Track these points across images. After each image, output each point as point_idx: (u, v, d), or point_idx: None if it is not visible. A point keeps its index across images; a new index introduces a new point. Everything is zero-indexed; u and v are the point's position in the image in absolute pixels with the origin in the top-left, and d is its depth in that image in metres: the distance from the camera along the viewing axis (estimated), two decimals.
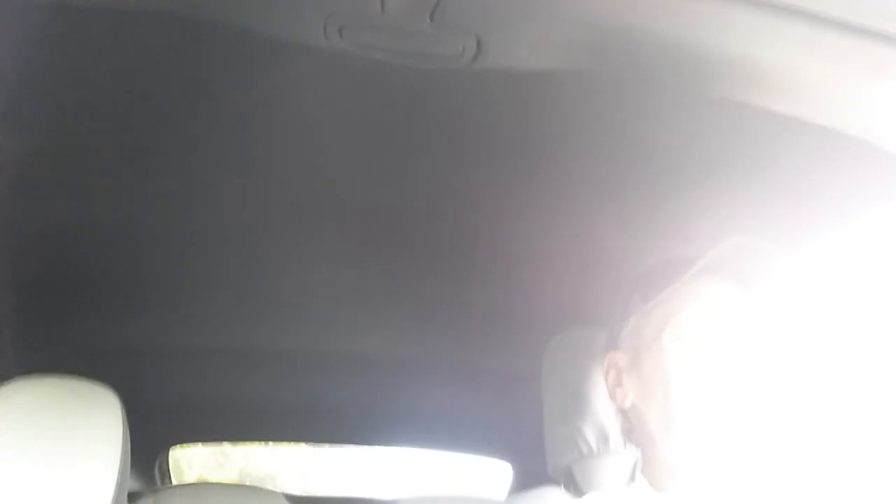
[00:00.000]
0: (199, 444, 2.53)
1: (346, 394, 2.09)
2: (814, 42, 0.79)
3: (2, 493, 1.04)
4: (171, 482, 2.28)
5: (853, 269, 1.34)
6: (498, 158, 1.27)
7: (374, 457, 3.25)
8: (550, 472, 1.37)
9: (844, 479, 1.29)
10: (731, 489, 0.97)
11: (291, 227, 1.50)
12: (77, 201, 1.42)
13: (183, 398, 2.08)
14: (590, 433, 1.31)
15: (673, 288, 0.98)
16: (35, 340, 1.68)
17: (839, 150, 1.05)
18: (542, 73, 0.93)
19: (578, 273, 1.44)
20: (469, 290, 1.66)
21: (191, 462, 2.76)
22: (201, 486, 1.88)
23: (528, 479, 2.04)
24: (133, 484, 1.86)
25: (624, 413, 1.06)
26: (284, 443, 2.62)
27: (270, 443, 2.66)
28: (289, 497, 1.67)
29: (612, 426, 1.28)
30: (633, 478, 1.09)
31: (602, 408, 1.29)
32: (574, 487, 1.32)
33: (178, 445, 2.33)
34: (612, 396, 1.06)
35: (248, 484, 2.10)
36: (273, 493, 1.67)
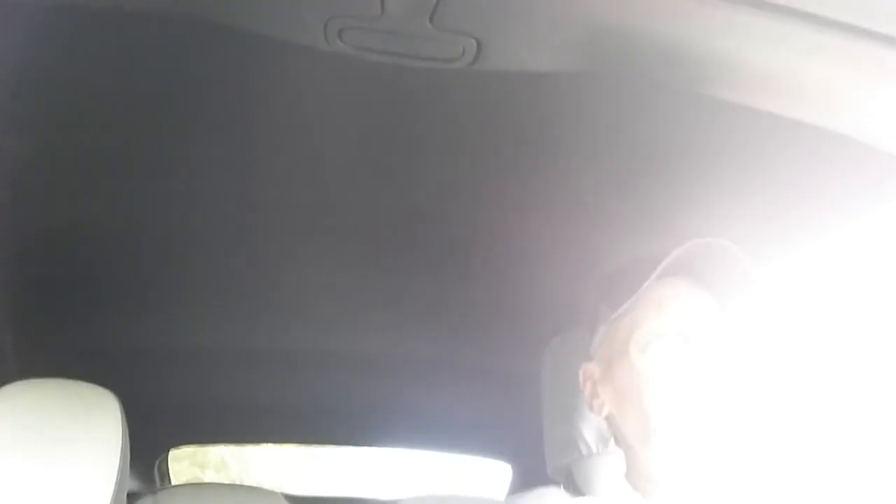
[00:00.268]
0: (199, 445, 2.53)
1: (346, 395, 2.09)
2: (813, 43, 0.79)
3: (2, 494, 1.04)
4: (170, 483, 2.29)
5: (853, 269, 1.35)
6: (498, 159, 1.27)
7: (373, 457, 3.26)
8: (550, 472, 1.37)
9: (825, 480, 1.29)
10: (711, 495, 0.96)
11: (291, 228, 1.50)
12: (76, 202, 1.42)
13: (182, 399, 2.08)
14: (589, 434, 1.31)
15: (637, 295, 0.96)
16: (35, 341, 1.68)
17: (838, 152, 1.05)
18: (542, 75, 0.93)
19: (578, 274, 1.44)
20: (469, 290, 1.66)
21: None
22: (200, 487, 1.88)
23: (527, 479, 2.04)
24: (132, 485, 1.86)
25: (606, 421, 1.06)
26: (284, 444, 2.62)
27: (270, 444, 2.66)
28: (288, 497, 1.67)
29: None
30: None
31: None
32: (573, 487, 1.32)
33: (178, 447, 2.33)
34: (590, 407, 1.05)
35: (247, 484, 2.10)
36: (272, 493, 1.67)
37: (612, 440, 1.22)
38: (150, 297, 1.72)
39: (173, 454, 2.31)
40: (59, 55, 1.03)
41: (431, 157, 1.28)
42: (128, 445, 1.13)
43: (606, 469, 1.29)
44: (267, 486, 1.73)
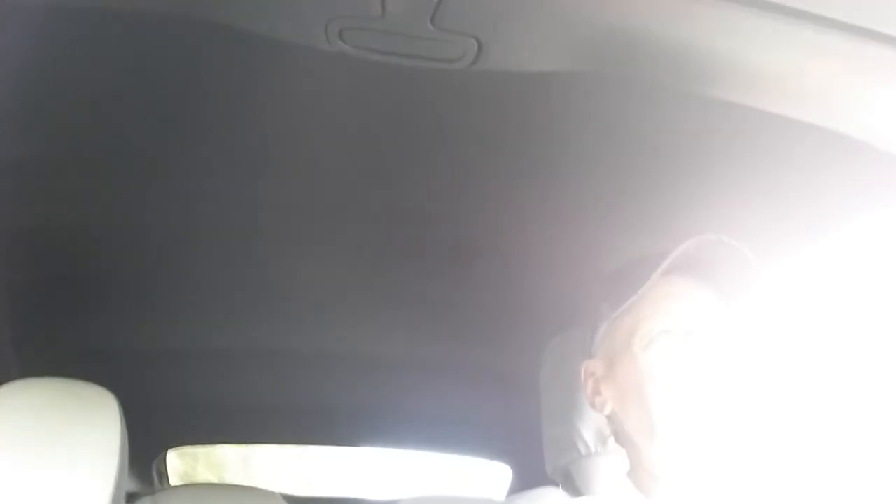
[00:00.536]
0: (198, 445, 2.53)
1: (346, 395, 2.09)
2: (815, 44, 0.79)
3: (1, 494, 1.04)
4: (168, 483, 2.28)
5: (853, 270, 1.35)
6: (498, 160, 1.27)
7: (373, 458, 3.25)
8: (549, 472, 1.37)
9: (828, 479, 1.29)
10: (714, 494, 0.97)
11: (291, 228, 1.50)
12: (76, 202, 1.42)
13: (181, 400, 2.08)
14: (588, 433, 1.31)
15: (640, 293, 0.97)
16: (34, 341, 1.68)
17: (840, 153, 1.05)
18: (543, 75, 0.93)
19: (578, 274, 1.44)
20: (469, 290, 1.66)
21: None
22: (199, 487, 1.88)
23: (527, 481, 2.04)
24: (131, 485, 1.86)
25: (608, 419, 1.06)
26: (284, 444, 2.62)
27: (270, 444, 2.66)
28: (287, 497, 1.67)
29: None
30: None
31: None
32: (572, 488, 1.32)
33: (176, 447, 2.33)
34: (592, 405, 1.05)
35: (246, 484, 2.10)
36: (271, 493, 1.67)
37: (611, 440, 1.22)
38: (148, 298, 1.72)
39: (187, 455, 2.30)
40: (59, 55, 1.03)
41: (432, 158, 1.27)
42: (126, 445, 1.13)
43: (605, 469, 1.29)
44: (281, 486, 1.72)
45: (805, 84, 0.85)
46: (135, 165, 1.31)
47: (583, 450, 1.31)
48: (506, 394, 1.93)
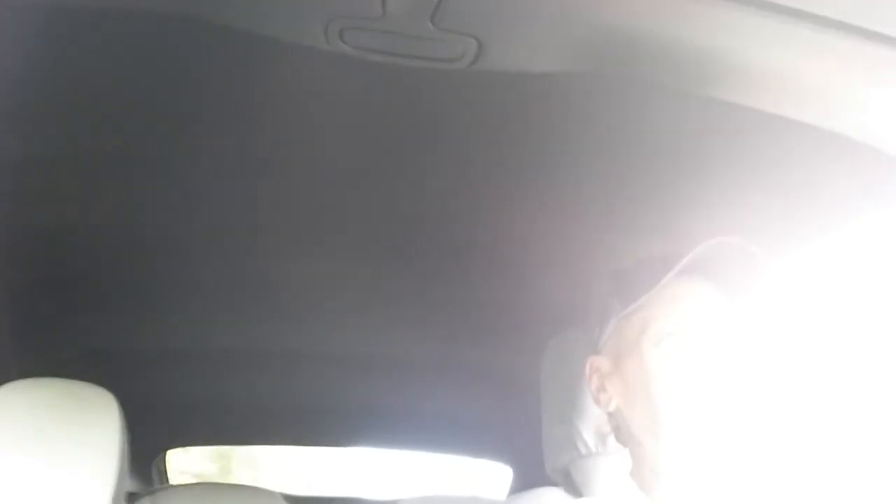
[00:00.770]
0: (198, 445, 2.53)
1: (346, 396, 2.09)
2: (814, 44, 0.79)
3: (1, 493, 1.04)
4: (168, 483, 2.28)
5: (852, 270, 1.35)
6: (498, 160, 1.27)
7: (374, 458, 3.25)
8: (549, 472, 1.37)
9: (835, 480, 1.29)
10: (717, 491, 0.97)
11: (291, 229, 1.50)
12: (77, 202, 1.42)
13: (180, 400, 2.08)
14: (588, 434, 1.31)
15: (652, 291, 0.97)
16: (34, 342, 1.68)
17: (839, 153, 1.05)
18: (542, 75, 0.93)
19: (578, 274, 1.44)
20: (469, 290, 1.66)
21: None
22: (199, 487, 1.88)
23: (528, 481, 2.04)
24: (131, 485, 1.86)
25: (611, 415, 1.06)
26: (284, 445, 2.62)
27: (270, 445, 2.66)
28: (287, 497, 1.67)
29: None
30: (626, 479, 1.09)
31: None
32: (572, 488, 1.32)
33: (176, 447, 2.33)
34: (597, 401, 1.05)
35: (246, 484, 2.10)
36: (271, 493, 1.67)
37: (611, 439, 1.22)
38: (148, 298, 1.72)
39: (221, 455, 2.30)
40: (59, 55, 1.03)
41: (432, 157, 1.28)
42: (126, 445, 1.13)
43: (605, 469, 1.29)
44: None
45: (804, 84, 0.85)
46: (135, 165, 1.31)
47: (583, 450, 1.31)
48: (506, 394, 1.93)
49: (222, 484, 1.98)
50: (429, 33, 0.84)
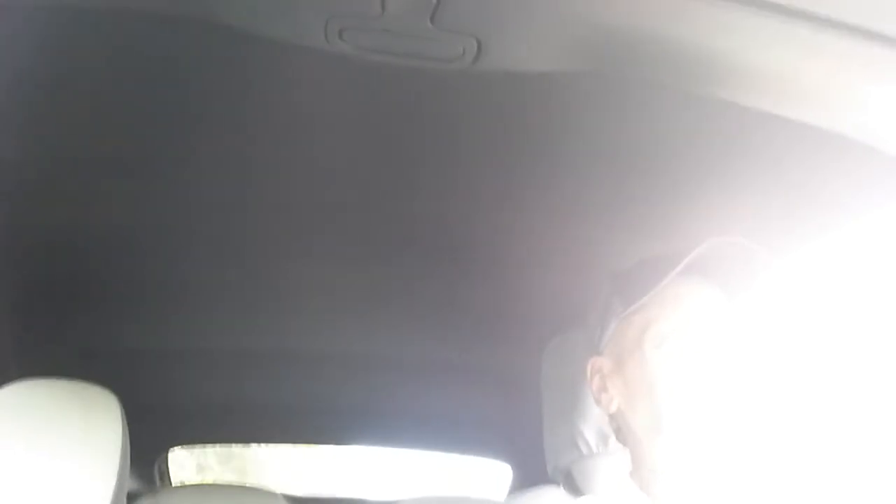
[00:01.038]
0: (199, 445, 2.53)
1: (346, 395, 2.09)
2: (814, 44, 0.79)
3: (2, 494, 1.04)
4: (170, 483, 2.29)
5: (852, 270, 1.35)
6: (498, 159, 1.27)
7: (374, 458, 3.26)
8: (550, 472, 1.37)
9: (835, 480, 1.29)
10: (717, 492, 0.97)
11: (291, 228, 1.50)
12: (77, 202, 1.42)
13: (182, 399, 2.08)
14: (589, 433, 1.31)
15: (653, 292, 0.97)
16: (35, 341, 1.68)
17: (838, 153, 1.05)
18: (542, 75, 0.93)
19: (578, 274, 1.44)
20: (469, 290, 1.66)
21: None
22: (200, 487, 1.88)
23: (528, 480, 2.04)
24: (132, 485, 1.86)
25: (612, 416, 1.06)
26: (284, 444, 2.62)
27: (270, 444, 2.66)
28: (288, 497, 1.67)
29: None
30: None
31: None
32: (573, 487, 1.32)
33: (177, 447, 2.33)
34: (598, 401, 1.06)
35: (247, 484, 2.10)
36: (272, 493, 1.67)
37: (612, 439, 1.22)
38: (149, 298, 1.73)
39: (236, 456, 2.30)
40: (59, 56, 1.03)
41: (431, 157, 1.28)
42: (128, 445, 1.13)
43: (606, 469, 1.29)
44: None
45: (803, 83, 0.85)
46: (134, 165, 1.31)
47: (584, 449, 1.31)
48: (506, 393, 1.93)
49: (223, 485, 1.98)
50: (428, 33, 0.84)
